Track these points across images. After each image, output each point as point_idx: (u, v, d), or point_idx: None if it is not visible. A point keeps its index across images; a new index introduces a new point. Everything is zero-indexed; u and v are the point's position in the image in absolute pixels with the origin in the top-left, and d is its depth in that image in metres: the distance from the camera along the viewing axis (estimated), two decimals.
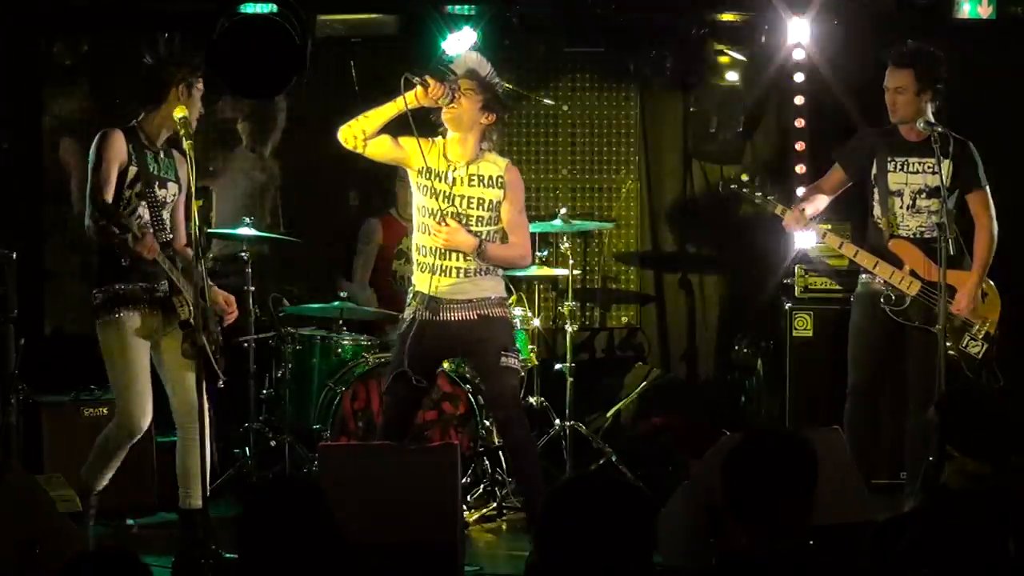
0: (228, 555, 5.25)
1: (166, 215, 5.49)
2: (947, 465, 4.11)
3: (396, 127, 5.55)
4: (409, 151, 5.55)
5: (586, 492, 2.90)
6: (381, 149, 5.57)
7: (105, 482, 5.57)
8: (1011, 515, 3.16)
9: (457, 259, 5.55)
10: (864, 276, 6.05)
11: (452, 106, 5.47)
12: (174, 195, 5.54)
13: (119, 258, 5.34)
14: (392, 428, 5.63)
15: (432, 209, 5.52)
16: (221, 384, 5.65)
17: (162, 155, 5.52)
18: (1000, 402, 3.89)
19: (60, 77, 7.69)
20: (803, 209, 5.99)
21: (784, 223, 6.03)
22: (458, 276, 5.55)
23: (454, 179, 5.53)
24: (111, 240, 5.19)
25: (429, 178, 5.53)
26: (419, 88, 5.39)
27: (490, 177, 5.58)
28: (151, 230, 5.34)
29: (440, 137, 5.59)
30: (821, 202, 6.10)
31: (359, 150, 5.56)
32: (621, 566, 2.82)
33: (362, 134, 5.51)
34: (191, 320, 5.22)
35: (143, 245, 5.21)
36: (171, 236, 5.48)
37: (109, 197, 5.29)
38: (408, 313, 5.64)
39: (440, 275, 5.54)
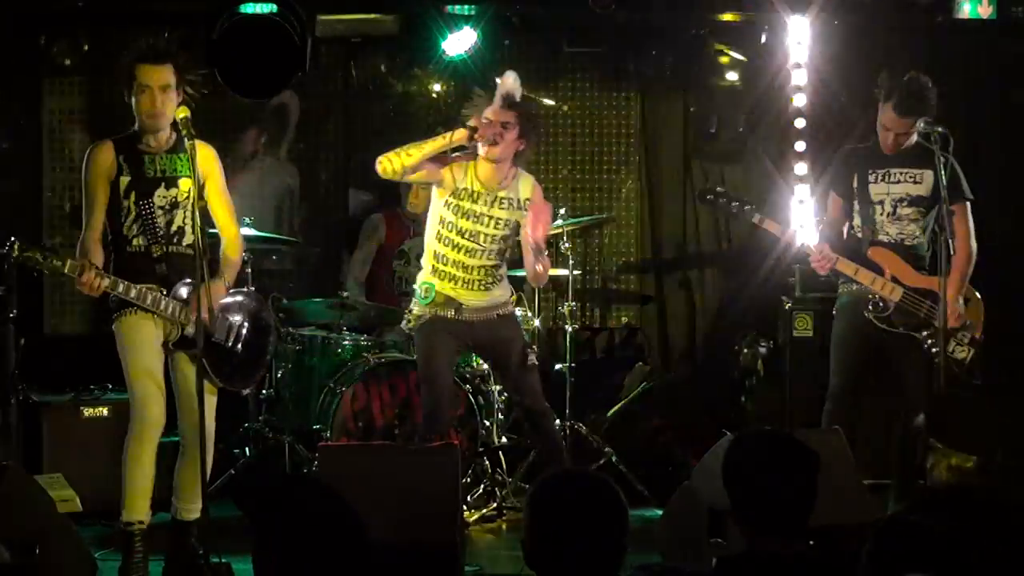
0: (216, 559, 5.15)
1: (181, 216, 5.27)
2: (930, 456, 4.14)
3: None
4: (444, 175, 5.69)
5: (561, 489, 2.96)
6: (419, 175, 5.72)
7: (147, 507, 5.25)
8: (994, 521, 3.15)
9: (480, 273, 5.73)
10: (844, 287, 6.02)
11: (495, 147, 5.61)
12: (187, 192, 5.23)
13: (130, 259, 5.28)
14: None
15: (462, 229, 5.66)
16: (246, 392, 5.74)
17: (166, 153, 5.30)
18: (982, 401, 3.92)
19: (60, 76, 7.68)
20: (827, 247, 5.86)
21: (812, 262, 5.90)
22: (482, 288, 5.76)
23: (486, 202, 5.68)
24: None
25: (460, 199, 5.67)
26: (464, 131, 5.57)
27: (520, 200, 5.74)
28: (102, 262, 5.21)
29: (473, 159, 5.70)
30: (836, 232, 6.04)
31: (397, 179, 5.73)
32: (592, 566, 2.84)
33: (402, 169, 5.62)
34: (170, 343, 5.26)
35: (80, 283, 5.12)
36: (181, 244, 5.28)
37: (99, 218, 5.24)
38: (423, 311, 5.72)
39: (463, 286, 5.72)
